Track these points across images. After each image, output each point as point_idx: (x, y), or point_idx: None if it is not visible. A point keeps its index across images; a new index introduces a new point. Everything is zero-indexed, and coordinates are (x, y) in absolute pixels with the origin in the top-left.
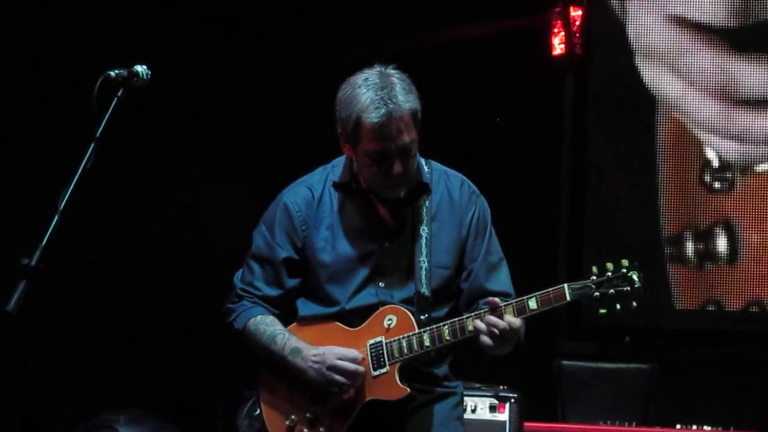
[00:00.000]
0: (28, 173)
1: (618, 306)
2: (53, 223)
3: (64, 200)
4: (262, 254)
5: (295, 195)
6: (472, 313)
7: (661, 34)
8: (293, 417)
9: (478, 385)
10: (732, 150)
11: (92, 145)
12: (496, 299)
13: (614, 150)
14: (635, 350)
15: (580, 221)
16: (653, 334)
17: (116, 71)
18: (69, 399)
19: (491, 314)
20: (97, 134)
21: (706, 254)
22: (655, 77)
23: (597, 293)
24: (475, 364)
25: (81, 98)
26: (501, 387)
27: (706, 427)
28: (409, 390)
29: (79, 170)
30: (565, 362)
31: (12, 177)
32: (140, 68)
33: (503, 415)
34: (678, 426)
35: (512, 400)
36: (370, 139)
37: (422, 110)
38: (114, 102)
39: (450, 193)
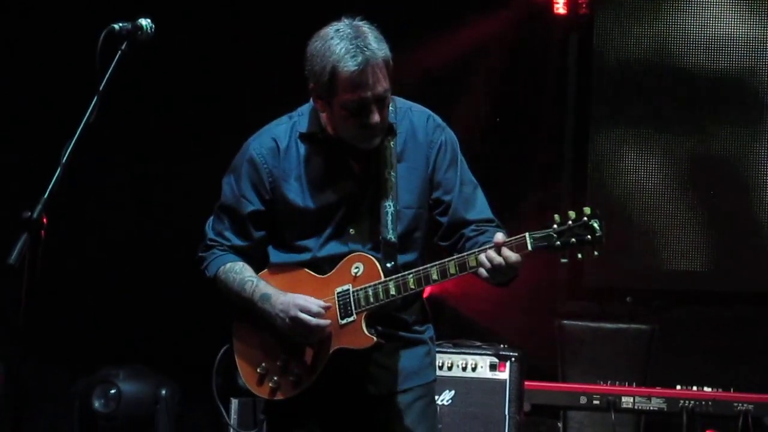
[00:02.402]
0: (31, 127)
1: (579, 255)
2: (56, 177)
3: (67, 154)
4: (229, 205)
5: (261, 146)
6: (437, 263)
7: None
8: (264, 365)
9: (478, 344)
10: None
11: (95, 99)
12: (500, 235)
13: (619, 109)
14: (636, 311)
15: (583, 181)
16: (654, 294)
17: (120, 25)
18: (70, 355)
19: (489, 250)
20: (101, 88)
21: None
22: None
23: (558, 242)
24: (476, 322)
25: (85, 52)
26: (501, 346)
27: (706, 389)
28: (375, 339)
29: (82, 124)
30: (565, 322)
31: (15, 132)
32: (144, 22)
33: (504, 374)
34: (678, 387)
35: (513, 359)
36: (348, 88)
37: (417, 70)
38: (118, 56)
39: (414, 130)
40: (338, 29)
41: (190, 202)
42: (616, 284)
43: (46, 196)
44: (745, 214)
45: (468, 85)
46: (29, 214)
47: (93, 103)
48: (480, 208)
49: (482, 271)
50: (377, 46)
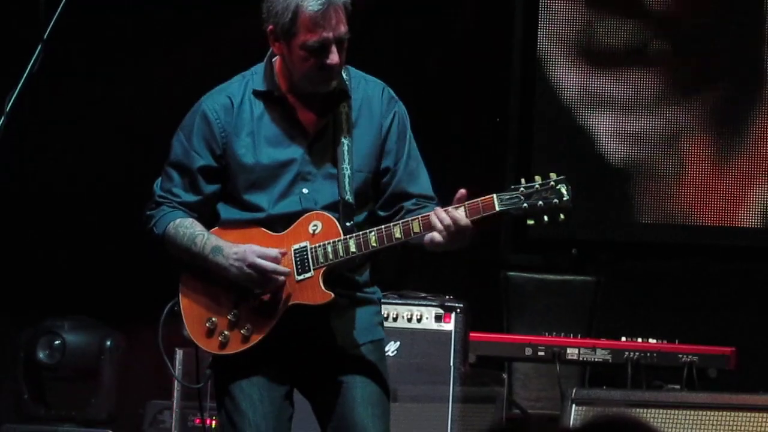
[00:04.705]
0: None
1: (546, 218)
2: None
3: (11, 102)
4: (179, 161)
5: (214, 102)
6: (400, 221)
7: None
8: (213, 319)
9: (423, 295)
10: None
11: (39, 47)
12: (464, 191)
13: (566, 57)
14: (582, 262)
15: (529, 134)
16: (600, 246)
17: None
18: (14, 305)
19: (441, 211)
20: (45, 37)
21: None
22: None
23: (525, 204)
24: (421, 274)
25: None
26: (447, 297)
27: (651, 340)
28: (333, 295)
29: (26, 73)
30: (511, 274)
31: None
32: None
33: (449, 325)
34: (623, 338)
35: (458, 311)
36: (310, 28)
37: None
38: (62, 4)
39: (369, 99)
40: None
41: (136, 151)
42: (561, 236)
43: None
44: (693, 165)
45: (412, 39)
46: None
47: (37, 51)
48: (423, 183)
49: (435, 232)
50: None
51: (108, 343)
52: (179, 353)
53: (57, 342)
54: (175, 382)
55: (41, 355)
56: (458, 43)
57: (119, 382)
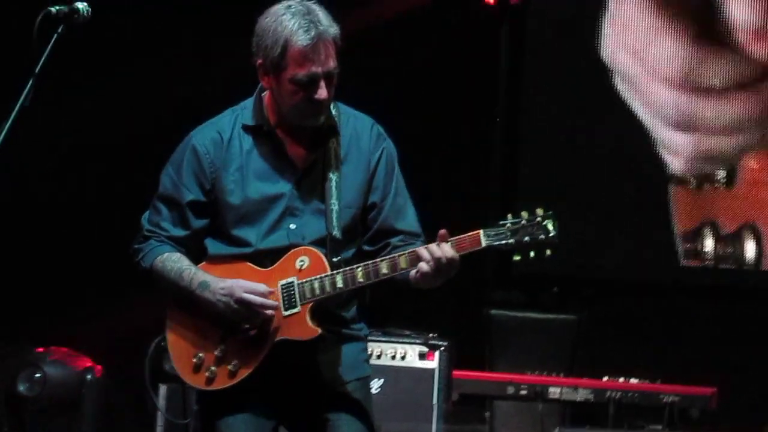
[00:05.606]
0: None
1: (532, 254)
2: None
3: (2, 136)
4: (168, 195)
5: (204, 137)
6: (387, 257)
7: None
8: (200, 355)
9: (408, 333)
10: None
11: (31, 82)
12: (444, 231)
13: (550, 100)
14: (564, 300)
15: (514, 171)
16: (582, 284)
17: (57, 7)
18: None
19: (429, 246)
20: (36, 71)
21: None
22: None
23: (512, 240)
24: (404, 312)
25: (21, 34)
26: (431, 335)
27: (632, 380)
28: (320, 330)
29: (18, 106)
30: (494, 311)
31: None
32: (81, 5)
33: (433, 363)
34: (605, 378)
35: (442, 348)
36: (299, 63)
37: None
38: (54, 38)
39: (358, 135)
40: (289, 6)
41: (121, 185)
42: (545, 272)
43: None
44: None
45: (392, 78)
46: None
47: (28, 85)
48: (410, 220)
49: (423, 265)
50: (328, 23)
51: (89, 376)
52: (162, 388)
53: (38, 375)
54: (158, 416)
55: (22, 387)
56: (445, 65)
57: (100, 415)
